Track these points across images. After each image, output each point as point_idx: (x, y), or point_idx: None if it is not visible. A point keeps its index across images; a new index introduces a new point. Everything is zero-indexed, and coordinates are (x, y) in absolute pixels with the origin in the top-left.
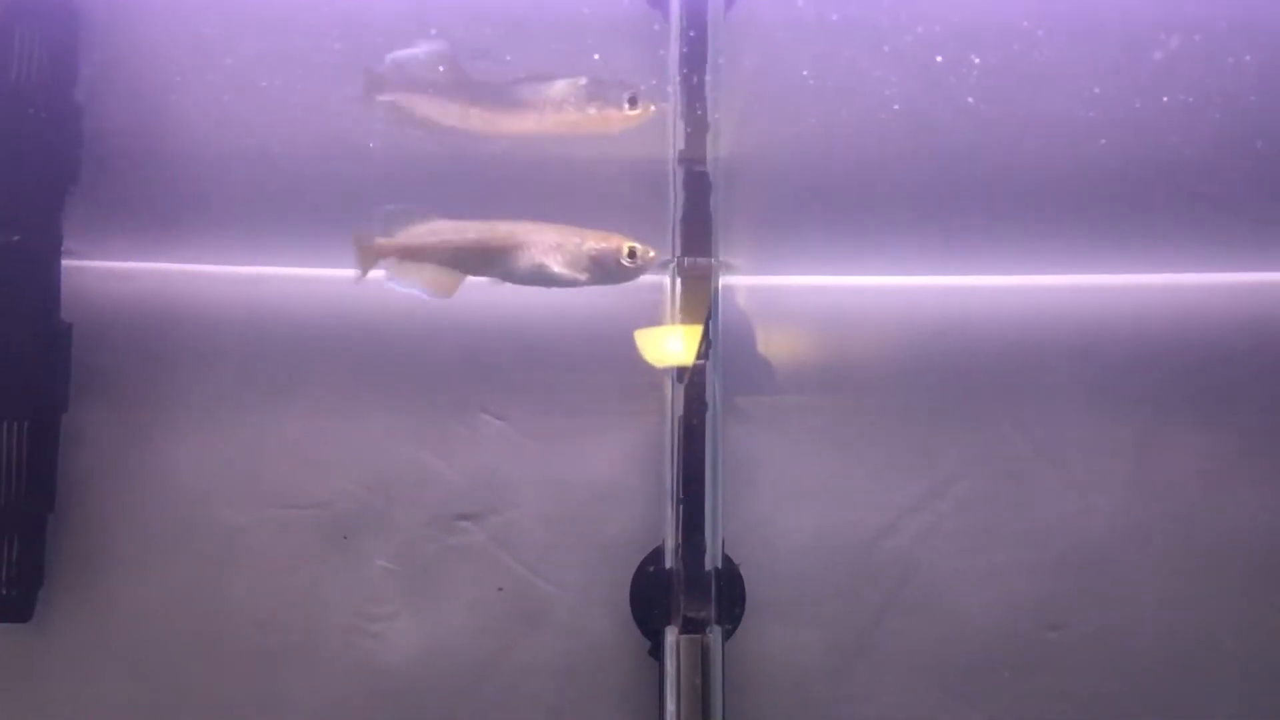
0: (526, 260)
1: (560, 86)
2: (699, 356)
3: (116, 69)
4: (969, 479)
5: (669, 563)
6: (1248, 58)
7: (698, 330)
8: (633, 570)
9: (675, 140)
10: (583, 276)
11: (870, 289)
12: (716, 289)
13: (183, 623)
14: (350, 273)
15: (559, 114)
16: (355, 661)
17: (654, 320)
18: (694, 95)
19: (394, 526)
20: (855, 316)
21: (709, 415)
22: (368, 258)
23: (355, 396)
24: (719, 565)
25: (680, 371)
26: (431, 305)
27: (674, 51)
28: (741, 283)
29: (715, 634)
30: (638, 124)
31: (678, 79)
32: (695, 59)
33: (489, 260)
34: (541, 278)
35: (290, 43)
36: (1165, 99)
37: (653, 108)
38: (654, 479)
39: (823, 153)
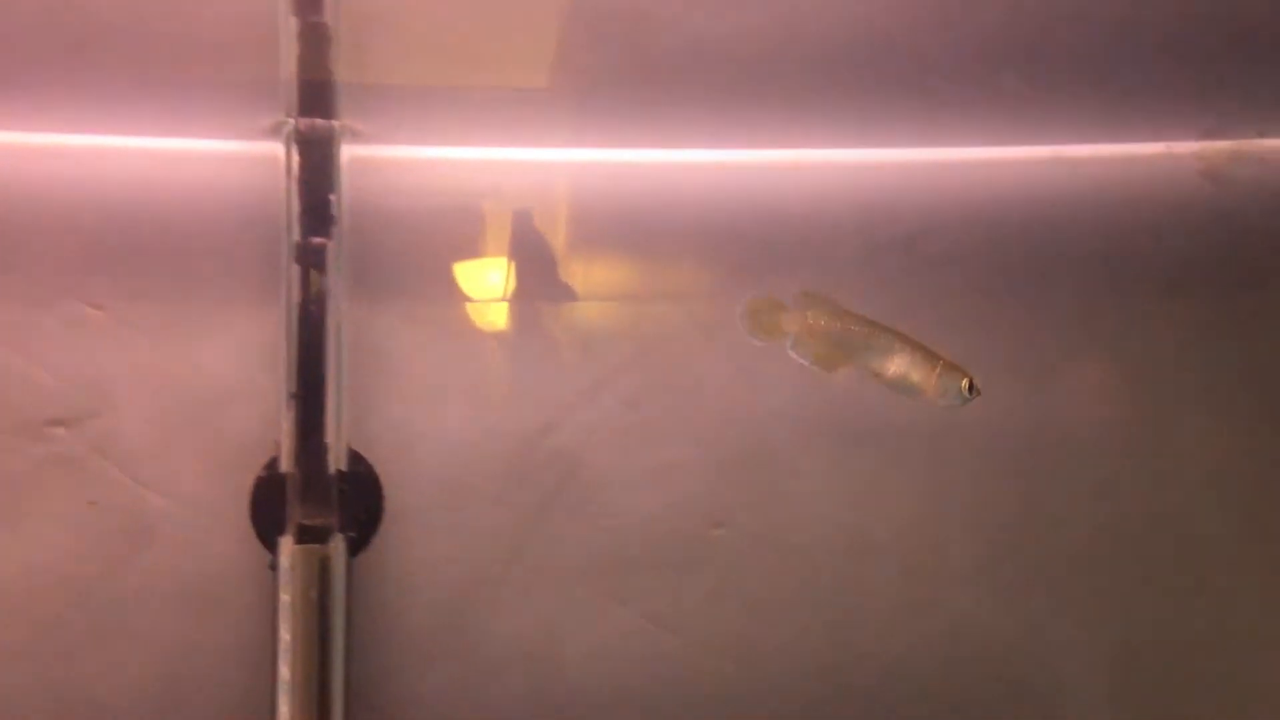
0: (895, 367)
1: None
2: (318, 234)
3: None
4: (637, 372)
5: (283, 466)
6: None
7: (318, 205)
8: (254, 477)
9: None
10: (926, 396)
11: (535, 164)
12: (338, 157)
13: None
14: None
15: None
16: None
17: (270, 195)
18: None
19: None
20: (513, 194)
21: (330, 301)
22: (779, 326)
23: None
24: (343, 468)
25: (298, 250)
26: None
27: None
28: (375, 153)
29: (338, 543)
30: None
31: None
32: None
33: (868, 355)
34: (901, 386)
35: None
36: None
37: None
38: (279, 375)
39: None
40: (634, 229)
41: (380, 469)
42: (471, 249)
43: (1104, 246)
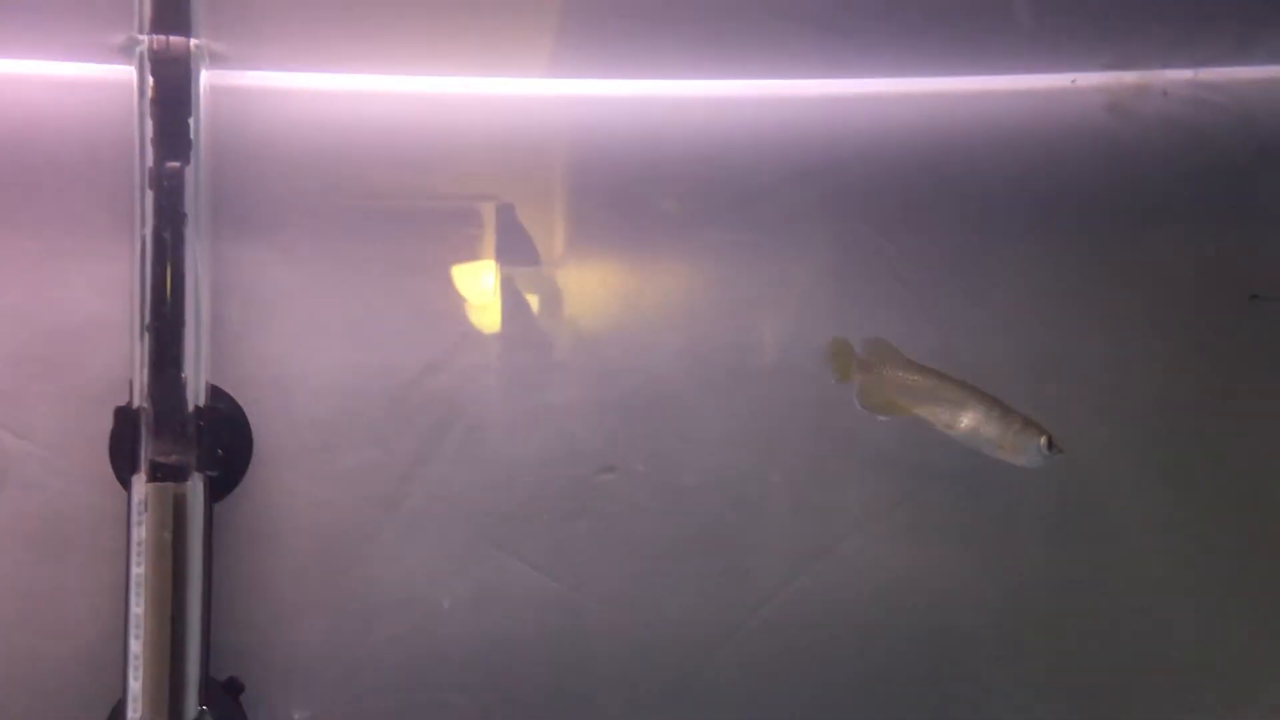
0: (967, 421)
1: None
2: (173, 159)
3: None
4: (524, 313)
5: (135, 401)
6: None
7: (173, 127)
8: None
9: None
10: (1002, 452)
11: (417, 94)
12: (196, 78)
13: None
14: None
15: None
16: None
17: (124, 119)
18: None
19: None
20: (395, 125)
21: (187, 230)
22: (851, 370)
23: None
24: (202, 404)
25: (151, 176)
26: None
27: None
28: (249, 80)
29: (196, 483)
30: None
31: None
32: None
33: (935, 407)
34: (973, 441)
35: None
36: None
37: None
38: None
39: None
40: (520, 165)
41: (251, 409)
42: (352, 184)
43: (1010, 179)
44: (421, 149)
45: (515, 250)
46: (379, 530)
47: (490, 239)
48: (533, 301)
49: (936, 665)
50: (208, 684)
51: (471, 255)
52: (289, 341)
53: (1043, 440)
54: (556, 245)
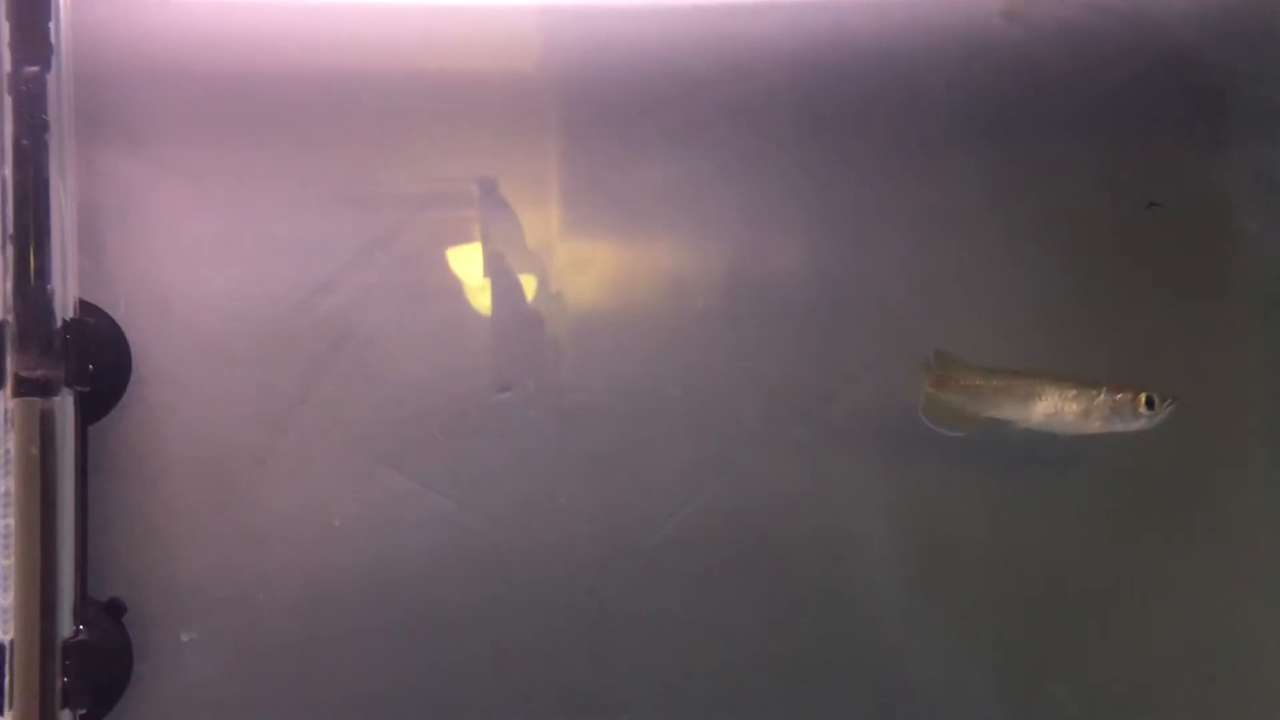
0: (1044, 408)
1: None
2: (32, 63)
3: None
4: (417, 228)
5: None
6: None
7: (30, 29)
8: None
9: None
10: (1096, 425)
11: (310, 5)
12: None
13: None
14: None
15: None
16: None
17: None
18: None
19: None
20: (287, 38)
21: (50, 138)
22: (924, 384)
23: None
24: (69, 317)
25: (9, 81)
26: None
27: None
28: None
29: (65, 399)
30: None
31: None
32: None
33: (1007, 406)
34: (1055, 424)
35: None
36: None
37: None
38: None
39: None
40: (400, 77)
41: (130, 328)
42: (239, 97)
43: (907, 89)
44: (308, 60)
45: (408, 168)
46: (268, 452)
47: (379, 154)
48: (425, 219)
49: (831, 574)
50: (86, 604)
51: (362, 172)
52: (172, 260)
53: (1139, 400)
54: (453, 167)
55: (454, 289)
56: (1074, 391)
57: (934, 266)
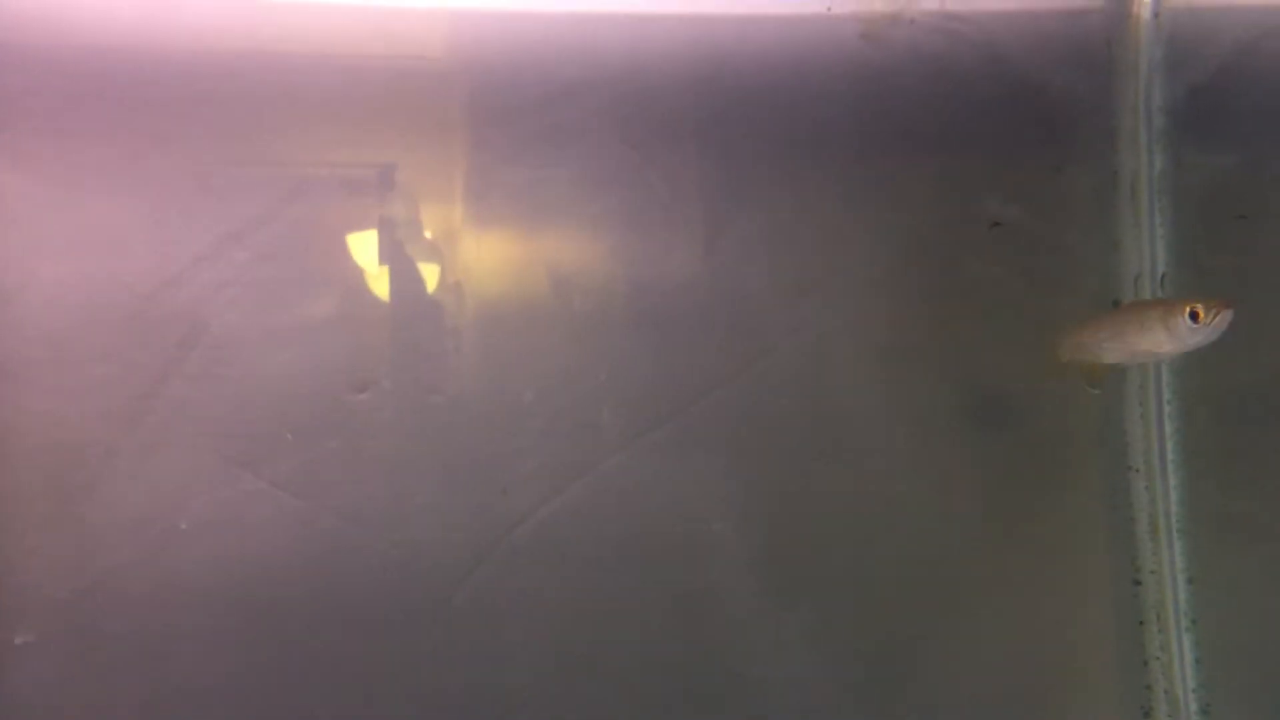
0: (1131, 342)
1: None
2: None
3: None
4: (274, 224)
5: None
6: None
7: None
8: None
9: None
10: (1166, 348)
11: None
12: None
13: None
14: None
15: None
16: None
17: None
18: None
19: None
20: (128, 18)
21: None
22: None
23: None
24: None
25: None
26: None
27: None
28: None
29: None
30: None
31: None
32: None
33: (1119, 346)
34: (1140, 356)
35: None
36: None
37: None
38: None
39: None
40: (265, 74)
41: None
42: (92, 87)
43: (768, 106)
44: (166, 45)
45: (267, 159)
46: (113, 449)
47: (240, 149)
48: (283, 212)
49: (692, 577)
50: None
51: (220, 164)
52: (15, 250)
53: (1184, 314)
54: (312, 158)
55: (313, 286)
56: (1157, 313)
57: (794, 276)
